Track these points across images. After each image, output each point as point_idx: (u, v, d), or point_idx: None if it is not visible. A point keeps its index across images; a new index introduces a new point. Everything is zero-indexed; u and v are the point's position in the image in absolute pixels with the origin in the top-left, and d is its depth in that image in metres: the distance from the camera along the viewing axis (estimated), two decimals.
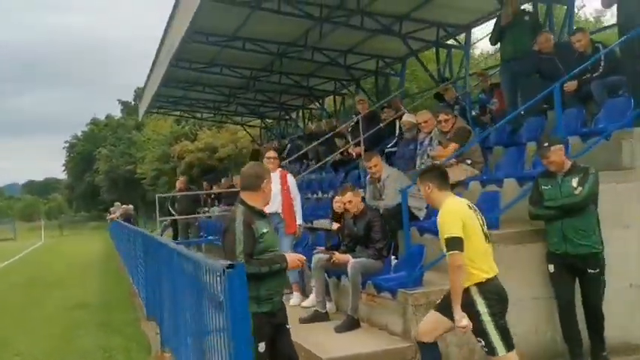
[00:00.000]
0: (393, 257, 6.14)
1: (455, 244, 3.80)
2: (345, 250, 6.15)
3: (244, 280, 2.97)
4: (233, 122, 26.00)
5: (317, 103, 19.19)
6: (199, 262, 3.56)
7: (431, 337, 4.22)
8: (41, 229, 47.87)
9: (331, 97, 18.45)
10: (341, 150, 10.55)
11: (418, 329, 4.34)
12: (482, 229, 4.01)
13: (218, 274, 3.12)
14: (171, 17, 11.95)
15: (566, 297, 5.05)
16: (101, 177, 56.75)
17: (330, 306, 6.32)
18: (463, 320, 3.83)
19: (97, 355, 7.08)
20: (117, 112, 66.39)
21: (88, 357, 7.08)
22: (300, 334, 5.06)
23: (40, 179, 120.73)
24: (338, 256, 5.96)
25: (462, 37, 12.35)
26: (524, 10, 8.42)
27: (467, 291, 3.89)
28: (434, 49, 13.09)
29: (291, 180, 6.93)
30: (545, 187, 5.03)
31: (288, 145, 18.18)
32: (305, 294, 7.07)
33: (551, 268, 5.07)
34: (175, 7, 11.35)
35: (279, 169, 6.90)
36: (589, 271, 4.87)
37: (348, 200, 6.06)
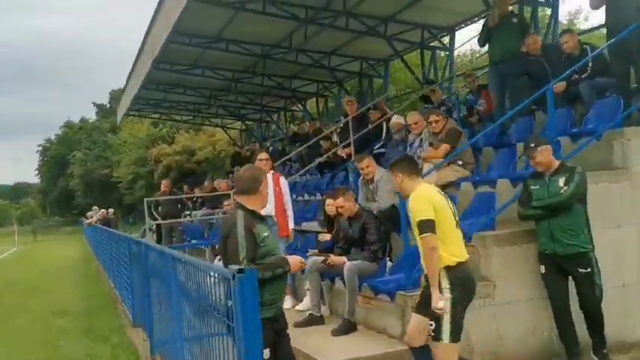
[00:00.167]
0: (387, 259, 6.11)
1: (427, 226, 3.86)
2: (341, 252, 6.09)
3: (255, 285, 2.91)
4: (213, 124, 25.78)
5: (299, 105, 19.12)
6: (206, 268, 3.46)
7: (420, 340, 4.22)
8: (14, 235, 46.78)
9: (313, 99, 18.40)
10: (330, 153, 10.48)
11: (407, 335, 4.33)
12: (454, 216, 4.08)
13: (227, 279, 3.04)
14: (154, 18, 11.77)
15: (558, 297, 5.05)
16: (76, 181, 55.97)
17: (324, 309, 6.26)
18: (440, 302, 3.86)
19: None
20: (92, 115, 65.61)
21: None
22: (297, 339, 4.97)
23: (10, 184, 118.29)
24: (333, 259, 5.90)
25: (446, 39, 12.39)
26: (512, 12, 8.47)
27: None
28: (418, 52, 13.13)
29: (283, 182, 6.85)
30: (534, 188, 5.06)
31: (270, 148, 18.10)
32: (297, 297, 7.00)
33: (542, 268, 5.08)
34: (158, 7, 11.17)
35: (272, 171, 6.81)
36: (579, 270, 4.87)
37: (340, 205, 6.01)
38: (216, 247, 9.81)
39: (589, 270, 4.87)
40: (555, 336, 5.19)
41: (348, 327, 5.59)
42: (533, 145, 5.06)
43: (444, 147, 6.87)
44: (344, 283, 5.91)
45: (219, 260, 7.29)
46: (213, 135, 37.90)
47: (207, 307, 3.90)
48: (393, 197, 6.18)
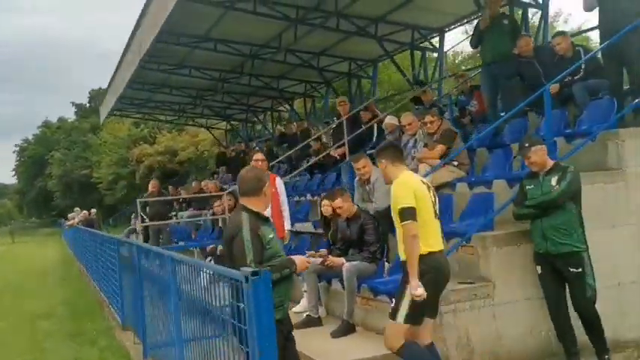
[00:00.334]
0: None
1: (408, 214, 3.93)
2: (340, 253, 6.06)
3: (269, 287, 2.87)
4: (198, 125, 25.58)
5: (286, 106, 19.06)
6: (216, 270, 3.40)
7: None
8: None
9: (300, 99, 18.35)
10: (324, 153, 10.43)
11: (385, 341, 4.29)
12: (434, 206, 4.13)
13: (238, 281, 2.99)
14: (141, 17, 11.62)
15: (553, 297, 5.07)
16: (54, 182, 55.13)
17: (321, 310, 6.22)
18: (419, 289, 3.91)
19: None
20: (70, 115, 64.69)
21: None
22: (297, 341, 4.93)
23: None
24: (332, 260, 5.86)
25: (435, 40, 12.44)
26: (503, 13, 8.53)
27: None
28: (406, 54, 13.17)
29: (280, 183, 6.80)
30: (529, 187, 5.09)
31: (256, 148, 18.01)
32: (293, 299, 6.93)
33: (539, 269, 5.10)
34: (146, 6, 11.03)
35: (268, 172, 6.74)
36: (570, 270, 4.88)
37: (338, 206, 5.98)
38: (208, 248, 9.78)
39: (580, 270, 4.87)
40: (553, 336, 5.21)
41: (347, 328, 5.56)
42: (527, 145, 5.09)
43: (440, 147, 6.89)
44: (341, 284, 5.88)
45: (211, 262, 7.23)
46: (196, 135, 37.67)
47: (208, 309, 3.87)
48: (389, 198, 6.14)
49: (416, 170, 6.98)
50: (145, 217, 11.11)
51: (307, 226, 8.40)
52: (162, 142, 40.87)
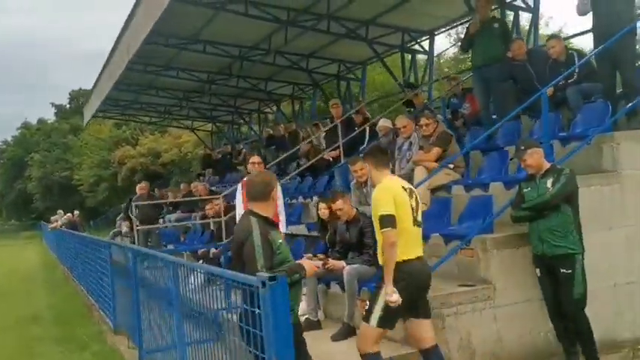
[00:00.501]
0: None
1: (388, 221, 3.95)
2: (339, 256, 6.05)
3: (287, 292, 2.86)
4: (184, 126, 25.39)
5: (273, 107, 19.01)
6: (230, 276, 3.36)
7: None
8: None
9: (288, 101, 18.31)
10: (319, 156, 10.40)
11: (357, 342, 4.35)
12: (413, 213, 4.13)
13: (254, 287, 2.96)
14: (130, 17, 11.50)
15: (552, 298, 5.11)
16: (34, 184, 54.33)
17: (319, 314, 6.20)
18: (394, 295, 3.95)
19: None
20: (50, 116, 63.82)
21: None
22: None
23: None
24: (332, 263, 5.85)
25: (425, 43, 12.52)
26: (493, 17, 8.59)
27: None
28: (394, 56, 13.22)
29: (277, 187, 6.74)
30: (526, 190, 5.13)
31: (243, 150, 17.93)
32: None
33: (538, 272, 5.14)
34: (136, 6, 10.92)
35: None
36: (561, 270, 4.91)
37: (338, 208, 5.97)
38: (200, 252, 9.66)
39: (570, 271, 4.89)
40: (553, 336, 5.27)
41: (348, 331, 5.54)
42: (523, 147, 5.14)
43: (436, 150, 6.92)
44: (340, 287, 5.88)
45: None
46: (179, 137, 37.45)
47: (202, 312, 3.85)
48: None
49: (411, 173, 7.04)
50: (135, 219, 10.96)
51: (301, 229, 8.38)
52: (145, 144, 40.59)
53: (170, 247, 12.12)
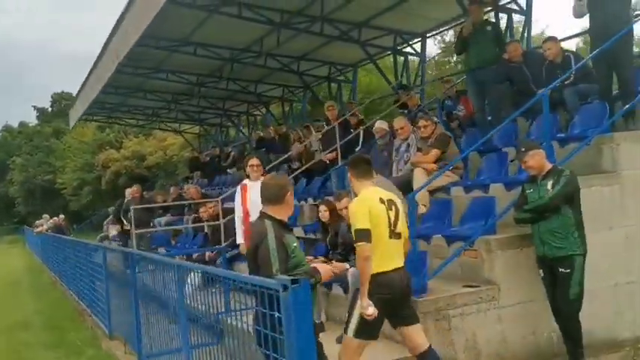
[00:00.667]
0: None
1: (363, 235, 3.96)
2: (341, 258, 6.02)
3: (309, 295, 2.82)
4: (170, 129, 25.20)
5: (262, 109, 18.93)
6: (250, 280, 3.32)
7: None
8: None
9: (277, 103, 18.25)
10: (316, 160, 10.35)
11: (339, 353, 4.28)
12: (390, 225, 4.10)
13: (273, 290, 2.93)
14: (120, 19, 11.37)
15: (554, 299, 5.14)
16: (16, 188, 53.56)
17: (322, 316, 6.16)
18: (369, 308, 3.96)
19: None
20: (32, 119, 63.01)
21: None
22: None
23: None
24: (336, 265, 5.80)
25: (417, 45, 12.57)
26: (486, 20, 8.65)
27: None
28: (385, 59, 13.26)
29: None
30: (529, 191, 5.15)
31: (232, 153, 17.79)
32: None
33: (541, 272, 5.15)
34: (127, 8, 10.80)
35: (262, 177, 6.65)
36: (560, 270, 4.93)
37: (344, 207, 5.94)
38: (195, 256, 9.55)
39: (568, 271, 4.91)
40: (557, 337, 5.29)
41: None
42: (524, 149, 5.16)
43: (434, 152, 6.93)
44: (342, 289, 5.84)
45: None
46: (164, 139, 37.20)
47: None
48: None
49: (410, 174, 7.04)
50: (127, 223, 10.82)
51: (297, 231, 8.31)
52: (129, 147, 40.27)
53: (162, 250, 11.99)
